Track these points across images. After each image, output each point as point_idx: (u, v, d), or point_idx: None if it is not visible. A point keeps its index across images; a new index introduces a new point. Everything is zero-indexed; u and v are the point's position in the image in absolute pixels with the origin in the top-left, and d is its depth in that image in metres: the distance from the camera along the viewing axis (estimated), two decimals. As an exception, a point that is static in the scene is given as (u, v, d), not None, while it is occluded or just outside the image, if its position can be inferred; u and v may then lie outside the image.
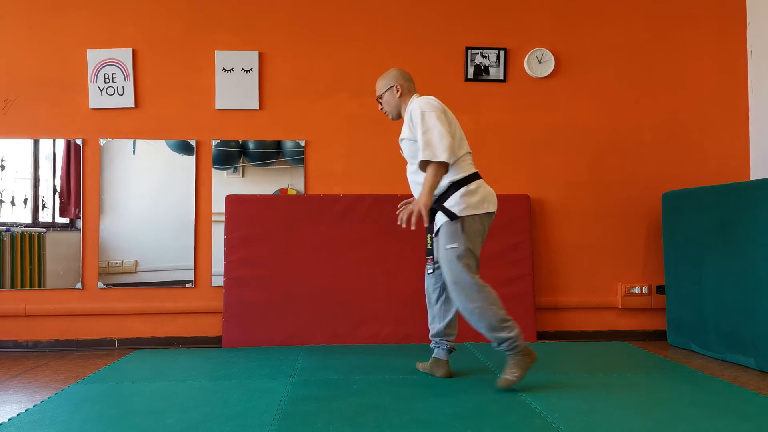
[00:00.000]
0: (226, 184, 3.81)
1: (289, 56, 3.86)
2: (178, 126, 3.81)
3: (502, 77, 3.91)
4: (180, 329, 3.74)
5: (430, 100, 2.65)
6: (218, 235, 3.75)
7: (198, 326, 3.75)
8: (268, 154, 3.83)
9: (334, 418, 2.17)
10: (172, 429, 2.07)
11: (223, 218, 3.71)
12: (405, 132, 2.69)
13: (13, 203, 3.74)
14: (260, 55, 3.84)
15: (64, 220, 3.75)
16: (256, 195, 3.76)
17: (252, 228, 3.68)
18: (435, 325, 2.79)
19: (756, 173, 3.90)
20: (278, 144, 3.84)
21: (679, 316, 3.59)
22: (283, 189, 3.83)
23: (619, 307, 3.87)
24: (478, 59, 3.89)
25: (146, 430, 2.07)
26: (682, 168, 3.92)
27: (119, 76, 3.77)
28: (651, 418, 2.16)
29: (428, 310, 2.84)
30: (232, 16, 3.84)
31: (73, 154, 3.77)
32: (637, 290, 3.87)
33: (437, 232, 2.65)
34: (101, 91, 3.77)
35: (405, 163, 2.66)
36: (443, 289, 2.76)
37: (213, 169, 3.81)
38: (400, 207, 2.89)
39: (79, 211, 3.75)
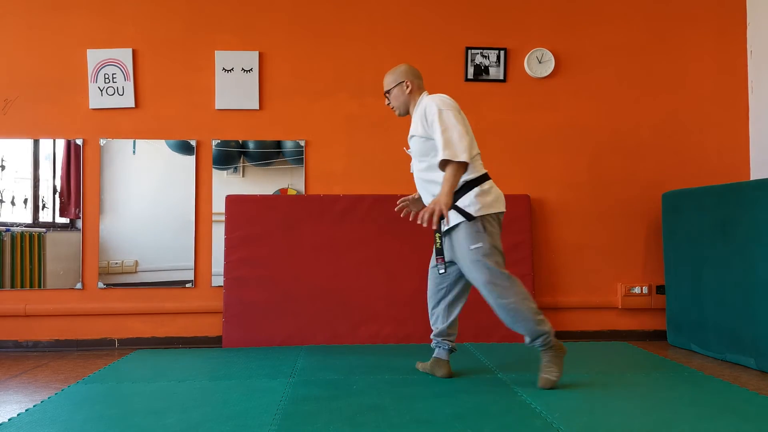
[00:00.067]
0: (226, 184, 3.81)
1: (289, 56, 3.86)
2: (178, 126, 3.81)
3: (502, 77, 3.91)
4: (180, 329, 3.74)
5: (444, 98, 2.64)
6: (218, 235, 3.75)
7: (198, 326, 3.75)
8: (268, 154, 3.83)
9: (334, 418, 2.17)
10: (172, 429, 2.07)
11: (223, 218, 3.71)
12: (417, 129, 2.66)
13: (13, 203, 3.74)
14: (260, 55, 3.84)
15: (64, 220, 3.76)
16: (256, 195, 3.76)
17: (252, 228, 3.68)
18: (438, 325, 2.79)
19: (756, 173, 3.90)
20: (278, 144, 3.84)
21: (679, 316, 3.59)
22: (283, 189, 3.83)
23: (619, 307, 3.87)
24: (478, 59, 3.89)
25: (146, 430, 2.07)
26: (682, 168, 3.92)
27: (119, 76, 3.77)
28: (651, 418, 2.16)
29: (430, 310, 2.83)
30: (232, 16, 3.84)
31: (73, 154, 3.77)
32: (637, 290, 3.87)
33: (446, 231, 2.64)
34: (101, 91, 3.77)
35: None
36: (449, 288, 2.75)
37: (213, 169, 3.81)
38: (399, 203, 2.89)
39: (79, 211, 3.75)
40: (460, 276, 2.75)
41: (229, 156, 3.82)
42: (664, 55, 3.97)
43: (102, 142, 3.77)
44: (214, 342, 3.73)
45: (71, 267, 3.72)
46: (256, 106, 3.83)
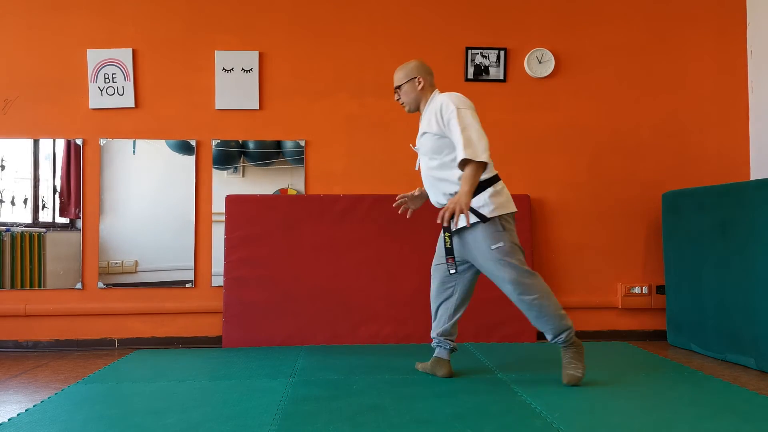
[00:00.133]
0: (226, 184, 3.81)
1: (289, 56, 3.86)
2: (178, 126, 3.81)
3: (502, 77, 3.91)
4: (180, 329, 3.74)
5: (461, 96, 2.63)
6: (218, 235, 3.75)
7: (198, 326, 3.75)
8: (268, 154, 3.83)
9: (334, 418, 2.17)
10: (172, 429, 2.07)
11: (223, 218, 3.71)
12: (431, 126, 2.64)
13: (13, 203, 3.74)
14: (260, 55, 3.84)
15: (64, 220, 3.76)
16: (256, 195, 3.76)
17: (252, 228, 3.68)
18: (442, 325, 2.78)
19: (756, 173, 3.90)
20: (278, 144, 3.84)
21: (679, 316, 3.59)
22: (283, 189, 3.83)
23: (619, 307, 3.87)
24: (478, 59, 3.89)
25: (146, 430, 2.07)
26: (682, 168, 3.92)
27: (119, 76, 3.77)
28: (651, 418, 2.16)
29: (434, 309, 2.82)
30: (232, 16, 3.84)
31: (73, 154, 3.77)
32: (637, 290, 3.87)
33: (457, 231, 2.63)
34: (101, 91, 3.77)
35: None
36: (456, 288, 2.75)
37: (213, 169, 3.81)
38: (398, 199, 2.88)
39: (79, 211, 3.75)
40: (468, 276, 2.75)
41: (229, 156, 3.82)
42: (664, 55, 3.98)
43: (102, 142, 3.77)
44: (214, 342, 3.73)
45: (71, 267, 3.72)
46: (256, 106, 3.83)
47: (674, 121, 3.96)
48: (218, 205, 3.78)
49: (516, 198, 3.77)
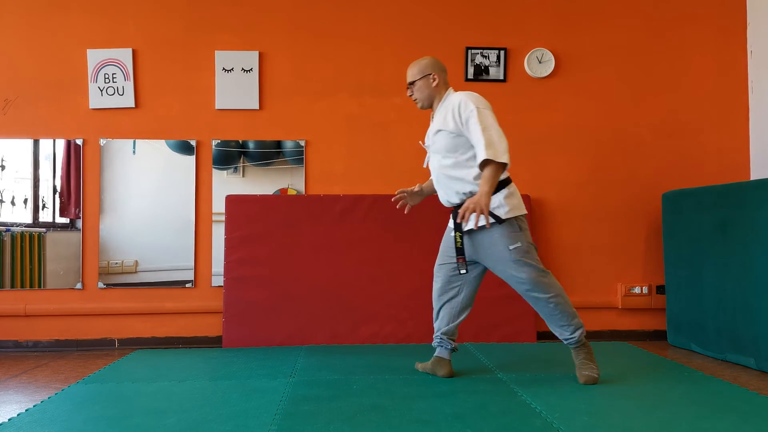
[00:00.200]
0: (226, 184, 3.81)
1: (289, 56, 3.86)
2: (178, 126, 3.81)
3: (502, 77, 3.91)
4: (180, 329, 3.74)
5: (478, 96, 2.63)
6: (218, 235, 3.75)
7: (198, 326, 3.75)
8: (268, 154, 3.83)
9: (334, 418, 2.17)
10: (172, 429, 2.07)
11: (223, 218, 3.71)
12: (447, 124, 2.62)
13: (13, 203, 3.75)
14: (260, 55, 3.84)
15: (64, 220, 3.76)
16: (256, 195, 3.76)
17: (252, 228, 3.68)
18: (445, 324, 2.77)
19: (756, 173, 3.90)
20: (278, 144, 3.84)
21: (679, 316, 3.59)
22: (283, 189, 3.83)
23: (619, 307, 3.87)
24: (478, 59, 3.89)
25: (146, 430, 2.07)
26: (682, 168, 3.92)
27: (119, 76, 3.77)
28: (651, 418, 2.16)
29: (437, 308, 2.80)
30: (232, 16, 3.84)
31: (73, 154, 3.77)
32: (637, 290, 3.87)
33: (468, 231, 2.62)
34: (101, 91, 3.77)
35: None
36: (462, 288, 2.74)
37: (213, 169, 3.81)
38: (397, 194, 2.86)
39: (79, 211, 3.75)
40: (475, 276, 2.74)
41: (229, 156, 3.82)
42: (664, 55, 3.98)
43: (102, 142, 3.77)
44: (214, 342, 3.73)
45: (71, 267, 3.72)
46: (256, 106, 3.83)
47: (674, 121, 3.96)
48: (218, 205, 3.78)
49: (516, 198, 3.78)
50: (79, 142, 3.76)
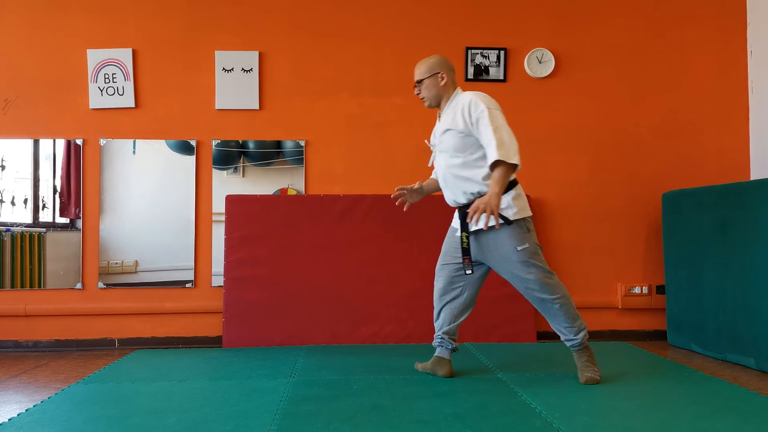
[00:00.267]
0: (226, 184, 3.81)
1: (289, 56, 3.86)
2: (178, 126, 3.81)
3: (502, 77, 3.91)
4: (180, 329, 3.74)
5: (488, 96, 2.63)
6: (218, 235, 3.75)
7: (198, 326, 3.75)
8: (268, 154, 3.83)
9: (334, 418, 2.17)
10: (172, 429, 2.07)
11: (223, 218, 3.71)
12: (456, 123, 2.61)
13: (13, 203, 3.75)
14: (260, 55, 3.84)
15: (64, 220, 3.76)
16: (256, 195, 3.76)
17: (252, 228, 3.68)
18: (447, 324, 2.77)
19: (756, 173, 3.90)
20: (278, 144, 3.84)
21: (679, 316, 3.59)
22: (283, 189, 3.83)
23: (619, 307, 3.87)
24: (478, 59, 3.89)
25: (146, 430, 2.07)
26: (682, 168, 3.92)
27: (119, 76, 3.77)
28: (651, 418, 2.16)
29: (439, 308, 2.79)
30: (232, 16, 3.84)
31: (73, 154, 3.77)
32: (637, 290, 3.87)
33: (474, 231, 2.62)
34: (101, 91, 3.77)
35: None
36: (465, 289, 2.74)
37: (213, 169, 3.81)
38: (397, 191, 2.84)
39: (79, 211, 3.75)
40: (479, 277, 2.74)
41: (229, 156, 3.82)
42: (664, 55, 3.98)
43: (102, 142, 3.77)
44: (214, 342, 3.73)
45: (71, 267, 3.72)
46: (256, 106, 3.83)
47: (674, 121, 3.96)
48: (218, 205, 3.78)
49: (516, 198, 3.78)
50: (79, 142, 3.76)
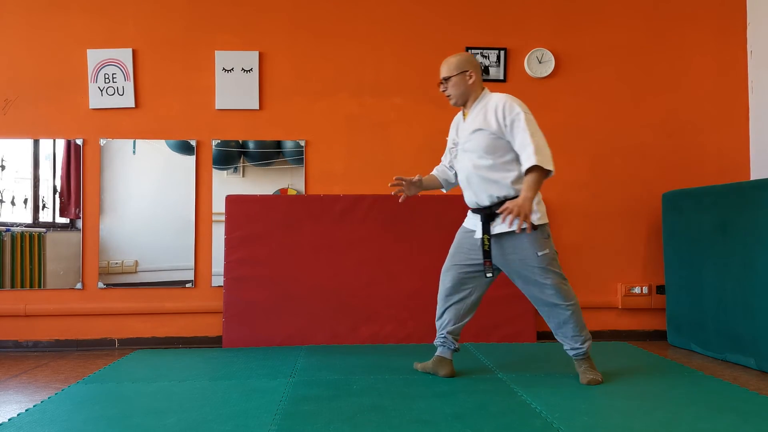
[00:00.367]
0: (226, 184, 3.81)
1: (289, 56, 3.86)
2: (178, 126, 3.81)
3: (502, 77, 3.91)
4: (180, 329, 3.74)
5: (520, 101, 2.62)
6: (218, 235, 3.75)
7: (198, 326, 3.75)
8: (268, 154, 3.83)
9: (334, 418, 2.17)
10: (172, 429, 2.07)
11: (223, 218, 3.71)
12: (489, 125, 2.58)
13: (13, 203, 3.74)
14: (260, 55, 3.84)
15: (64, 220, 3.76)
16: (256, 195, 3.76)
17: (252, 228, 3.68)
18: (453, 324, 2.76)
19: (756, 173, 3.90)
20: (278, 144, 3.84)
21: (679, 316, 3.59)
22: (283, 189, 3.83)
23: (619, 307, 3.87)
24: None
25: (146, 430, 2.07)
26: (682, 168, 3.92)
27: (119, 76, 3.77)
28: (651, 418, 2.16)
29: (444, 307, 2.78)
30: (232, 16, 3.84)
31: (73, 154, 3.77)
32: (637, 290, 3.87)
33: (496, 234, 2.61)
34: (101, 91, 3.77)
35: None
36: (474, 290, 2.74)
37: (213, 169, 3.81)
38: (395, 180, 2.80)
39: (79, 211, 3.75)
40: (489, 281, 2.73)
41: (229, 156, 3.82)
42: (664, 55, 3.98)
43: (102, 142, 3.77)
44: (214, 342, 3.73)
45: (71, 267, 3.72)
46: (256, 106, 3.83)
47: (674, 121, 3.96)
48: (218, 205, 3.78)
49: (516, 198, 3.78)
50: (79, 142, 3.76)
